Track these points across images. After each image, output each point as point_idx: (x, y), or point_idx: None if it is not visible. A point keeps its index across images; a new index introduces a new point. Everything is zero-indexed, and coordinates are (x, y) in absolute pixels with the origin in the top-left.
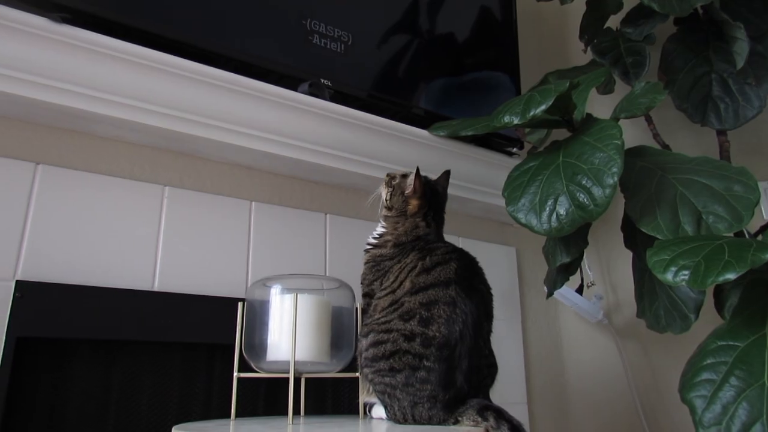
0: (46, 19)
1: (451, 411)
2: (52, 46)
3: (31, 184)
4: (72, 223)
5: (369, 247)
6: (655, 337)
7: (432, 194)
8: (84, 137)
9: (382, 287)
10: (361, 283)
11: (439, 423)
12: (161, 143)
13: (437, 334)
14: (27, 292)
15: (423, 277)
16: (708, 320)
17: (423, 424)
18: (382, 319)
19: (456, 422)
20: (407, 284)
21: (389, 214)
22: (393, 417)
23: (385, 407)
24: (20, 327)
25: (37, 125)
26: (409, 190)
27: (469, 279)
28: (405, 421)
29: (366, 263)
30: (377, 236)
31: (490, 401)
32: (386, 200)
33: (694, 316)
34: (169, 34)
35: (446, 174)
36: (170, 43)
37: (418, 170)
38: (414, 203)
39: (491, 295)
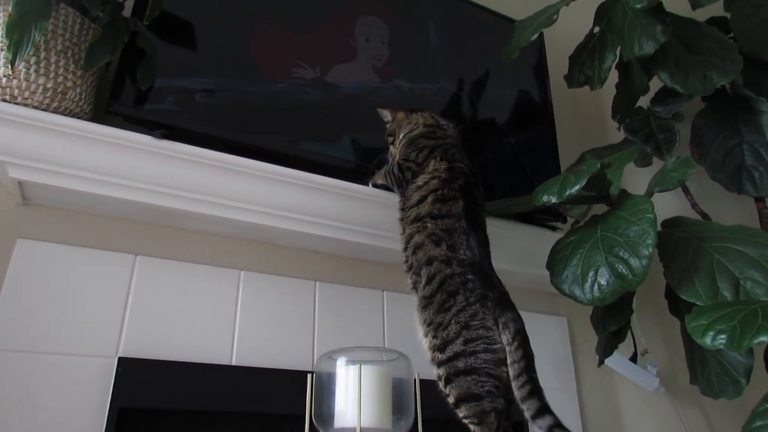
0: (149, 137)
1: (502, 310)
2: (153, 159)
3: (131, 272)
4: (164, 306)
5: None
6: (716, 403)
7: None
8: (174, 231)
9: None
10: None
11: (494, 320)
12: (238, 233)
13: (464, 257)
14: (127, 368)
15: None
16: None
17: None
18: (422, 255)
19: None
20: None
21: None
22: None
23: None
24: (122, 398)
25: (136, 222)
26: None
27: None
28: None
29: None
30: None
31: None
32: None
33: (745, 380)
34: (245, 140)
35: None
36: (245, 147)
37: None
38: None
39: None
